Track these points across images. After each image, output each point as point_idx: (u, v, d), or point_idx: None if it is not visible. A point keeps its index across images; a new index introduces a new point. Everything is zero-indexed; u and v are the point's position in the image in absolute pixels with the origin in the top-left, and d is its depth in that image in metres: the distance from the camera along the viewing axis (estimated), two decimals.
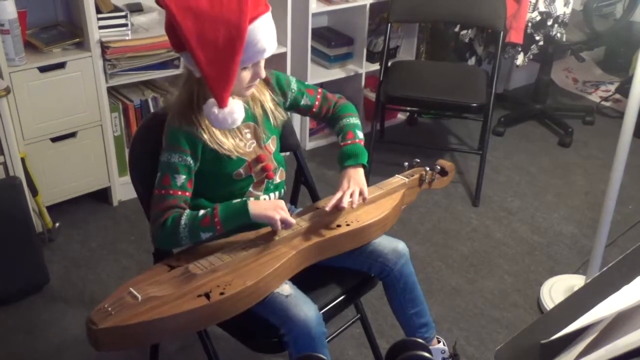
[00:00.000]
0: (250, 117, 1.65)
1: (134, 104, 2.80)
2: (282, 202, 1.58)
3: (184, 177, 1.56)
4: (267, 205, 1.56)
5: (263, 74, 1.57)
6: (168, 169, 1.56)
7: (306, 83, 1.81)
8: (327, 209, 1.63)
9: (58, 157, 2.64)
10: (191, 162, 1.57)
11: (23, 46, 2.43)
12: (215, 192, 1.64)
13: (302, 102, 1.77)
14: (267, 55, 1.52)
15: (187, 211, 1.54)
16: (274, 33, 1.53)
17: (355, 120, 1.79)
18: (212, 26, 1.41)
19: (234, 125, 1.53)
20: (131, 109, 2.80)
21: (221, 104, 1.47)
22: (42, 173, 2.60)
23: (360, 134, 1.77)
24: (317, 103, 1.79)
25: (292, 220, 1.56)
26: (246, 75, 1.54)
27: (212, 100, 1.49)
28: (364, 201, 1.68)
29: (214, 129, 1.57)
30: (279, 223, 1.54)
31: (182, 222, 1.51)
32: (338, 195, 1.65)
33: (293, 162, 1.96)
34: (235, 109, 1.50)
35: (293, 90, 1.75)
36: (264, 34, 1.48)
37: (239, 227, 1.60)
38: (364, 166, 1.73)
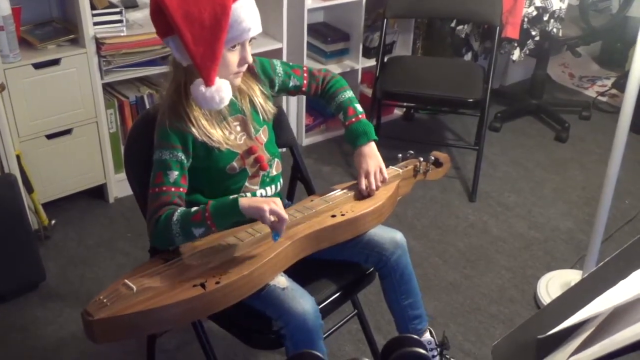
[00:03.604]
0: (238, 109, 1.65)
1: (130, 100, 2.79)
2: (277, 199, 1.53)
3: (176, 173, 1.55)
4: (260, 199, 1.55)
5: (250, 58, 1.58)
6: (160, 166, 1.55)
7: (290, 63, 1.81)
8: (361, 197, 1.72)
9: (53, 154, 2.63)
10: (183, 157, 1.56)
11: (17, 43, 2.42)
12: (211, 189, 1.63)
13: (291, 84, 1.79)
14: (252, 34, 1.54)
15: (181, 208, 1.53)
16: (257, 14, 1.55)
17: (350, 93, 1.82)
18: (197, 5, 1.44)
19: (221, 104, 1.53)
20: (127, 106, 2.79)
21: (208, 82, 1.49)
22: (37, 170, 2.59)
23: (360, 107, 1.81)
24: (305, 82, 1.80)
25: (284, 214, 1.48)
26: (233, 57, 1.54)
27: (199, 80, 1.51)
28: (383, 182, 1.75)
29: (202, 122, 1.57)
30: (267, 213, 1.46)
31: (175, 218, 1.50)
32: (362, 181, 1.72)
33: (289, 158, 1.96)
34: (222, 87, 1.51)
35: (280, 74, 1.76)
36: (247, 13, 1.51)
37: (236, 222, 1.60)
38: (375, 141, 1.78)
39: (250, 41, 1.58)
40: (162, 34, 1.53)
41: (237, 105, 1.65)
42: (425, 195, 2.99)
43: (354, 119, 1.78)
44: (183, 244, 1.55)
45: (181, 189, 1.56)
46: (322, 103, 1.85)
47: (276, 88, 1.76)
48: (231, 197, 1.52)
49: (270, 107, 1.72)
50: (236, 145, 1.64)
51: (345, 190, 1.75)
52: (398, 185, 1.79)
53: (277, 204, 1.48)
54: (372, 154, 1.77)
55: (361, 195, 1.74)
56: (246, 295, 1.48)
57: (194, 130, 1.56)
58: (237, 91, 1.65)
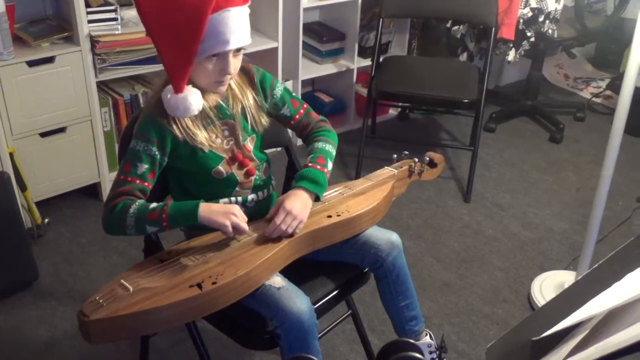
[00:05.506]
0: (228, 115, 1.63)
1: (124, 98, 2.78)
2: (235, 208, 1.52)
3: (146, 166, 1.54)
4: (219, 209, 1.51)
5: (231, 69, 1.52)
6: (131, 156, 1.54)
7: (294, 94, 1.76)
8: (266, 234, 1.55)
9: (47, 152, 2.62)
10: (156, 153, 1.54)
11: (11, 40, 2.41)
12: (201, 192, 1.60)
13: (282, 111, 1.73)
14: (230, 48, 1.48)
15: (140, 200, 1.52)
16: (244, 28, 1.49)
17: (332, 149, 1.71)
18: (172, 9, 1.41)
19: (186, 113, 1.51)
20: (121, 104, 2.78)
21: (176, 89, 1.48)
22: (31, 168, 2.58)
23: (331, 165, 1.68)
24: (297, 117, 1.74)
25: (245, 227, 1.50)
26: (210, 67, 1.51)
27: (170, 86, 1.50)
28: (291, 236, 1.56)
29: (186, 122, 1.55)
30: (229, 229, 1.48)
31: (131, 210, 1.49)
32: (281, 215, 1.54)
33: (284, 157, 1.95)
34: (189, 97, 1.49)
35: (275, 96, 1.71)
36: (230, 26, 1.45)
37: None
38: (317, 198, 1.64)
39: (239, 51, 1.53)
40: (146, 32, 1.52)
41: (228, 111, 1.63)
42: (420, 196, 2.99)
43: (318, 166, 1.65)
44: (134, 235, 1.55)
45: (146, 183, 1.55)
46: (304, 142, 1.76)
47: (266, 106, 1.71)
48: (192, 202, 1.51)
49: (263, 120, 1.67)
50: (221, 149, 1.62)
51: (340, 191, 1.75)
52: (393, 186, 1.79)
53: (238, 217, 1.49)
54: (307, 205, 1.59)
55: (264, 236, 1.55)
56: (243, 295, 1.48)
57: (174, 128, 1.54)
58: (230, 96, 1.62)
